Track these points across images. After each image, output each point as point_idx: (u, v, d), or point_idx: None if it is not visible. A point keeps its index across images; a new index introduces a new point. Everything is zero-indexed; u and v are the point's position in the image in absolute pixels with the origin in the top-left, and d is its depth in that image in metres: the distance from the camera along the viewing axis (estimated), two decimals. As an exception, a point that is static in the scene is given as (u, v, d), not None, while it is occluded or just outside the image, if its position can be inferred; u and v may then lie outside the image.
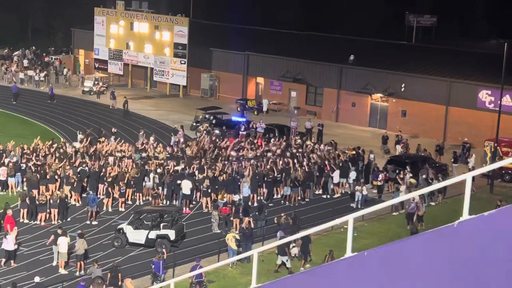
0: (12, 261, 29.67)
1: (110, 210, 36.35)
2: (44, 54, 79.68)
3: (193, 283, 27.04)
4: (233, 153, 42.79)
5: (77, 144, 43.84)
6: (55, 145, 42.28)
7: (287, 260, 29.76)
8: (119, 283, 26.92)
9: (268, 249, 30.29)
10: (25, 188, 37.19)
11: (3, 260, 29.62)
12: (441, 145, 48.67)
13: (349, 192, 40.15)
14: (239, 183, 37.92)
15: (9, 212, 31.82)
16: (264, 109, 61.87)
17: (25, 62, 76.42)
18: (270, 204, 38.44)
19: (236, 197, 36.43)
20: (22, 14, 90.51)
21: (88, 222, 34.60)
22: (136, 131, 50.71)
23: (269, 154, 42.80)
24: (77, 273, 28.91)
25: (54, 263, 29.55)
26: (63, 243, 29.07)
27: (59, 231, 29.85)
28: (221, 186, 37.10)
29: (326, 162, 41.77)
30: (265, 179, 39.03)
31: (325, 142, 48.25)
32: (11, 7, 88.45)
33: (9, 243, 29.59)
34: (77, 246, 29.22)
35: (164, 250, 29.80)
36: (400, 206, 37.56)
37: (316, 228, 10.05)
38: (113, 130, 48.92)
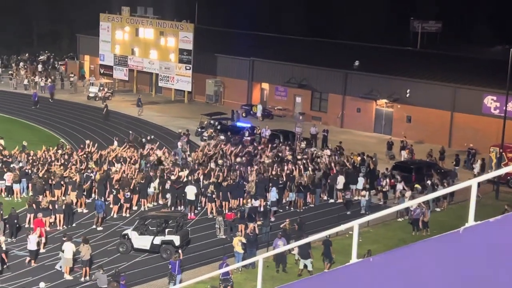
0: (32, 261, 30.03)
1: (115, 216, 36.38)
2: (66, 59, 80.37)
3: (220, 280, 27.39)
4: (238, 159, 42.84)
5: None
6: (60, 151, 42.47)
7: (311, 262, 29.79)
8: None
9: (273, 255, 30.30)
10: (31, 193, 37.30)
11: (27, 259, 30.20)
12: (441, 150, 48.57)
13: (343, 200, 39.77)
14: (244, 189, 37.98)
15: (39, 215, 32.33)
16: (258, 114, 61.73)
17: (39, 67, 77.16)
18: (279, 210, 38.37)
19: (256, 203, 36.49)
20: (26, 19, 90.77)
21: (94, 226, 34.65)
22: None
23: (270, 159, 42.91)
24: (82, 279, 28.93)
25: (63, 269, 29.47)
26: (68, 249, 29.09)
27: (65, 238, 30.00)
28: (225, 191, 37.16)
29: (332, 165, 41.79)
30: (271, 184, 38.94)
31: (331, 147, 48.23)
32: (15, 12, 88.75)
33: (31, 243, 30.10)
34: (82, 252, 29.22)
35: (180, 251, 29.74)
36: (405, 212, 37.49)
37: (321, 234, 10.03)
38: (148, 138, 48.83)
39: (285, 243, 29.36)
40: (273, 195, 37.23)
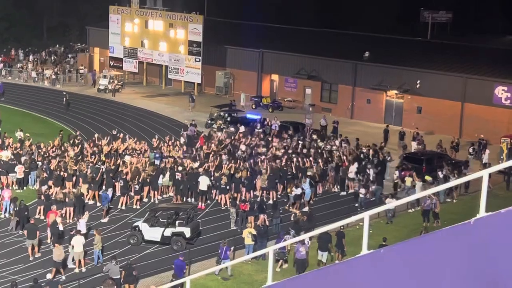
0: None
1: (123, 207, 36.44)
2: (87, 51, 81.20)
3: (277, 253, 28.19)
4: (259, 150, 43.02)
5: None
6: (71, 141, 42.75)
7: (328, 255, 29.78)
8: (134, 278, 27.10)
9: (294, 262, 30.24)
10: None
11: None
12: (456, 141, 48.41)
13: (353, 192, 39.67)
14: (254, 181, 38.00)
15: (53, 207, 32.57)
16: (242, 103, 61.63)
17: (52, 58, 78.77)
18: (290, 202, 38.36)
19: (298, 190, 36.74)
20: (36, 13, 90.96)
21: (103, 220, 34.69)
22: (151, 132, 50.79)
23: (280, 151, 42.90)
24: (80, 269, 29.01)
25: (71, 265, 29.50)
26: (78, 242, 29.12)
27: (72, 232, 30.08)
28: (238, 183, 37.18)
29: (344, 158, 41.71)
30: (281, 175, 38.94)
31: (341, 139, 48.16)
32: (25, 5, 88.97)
33: (82, 226, 30.90)
34: (95, 241, 29.46)
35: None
36: (416, 203, 37.39)
37: (331, 225, 10.03)
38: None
39: (306, 247, 29.27)
40: (307, 186, 37.39)
